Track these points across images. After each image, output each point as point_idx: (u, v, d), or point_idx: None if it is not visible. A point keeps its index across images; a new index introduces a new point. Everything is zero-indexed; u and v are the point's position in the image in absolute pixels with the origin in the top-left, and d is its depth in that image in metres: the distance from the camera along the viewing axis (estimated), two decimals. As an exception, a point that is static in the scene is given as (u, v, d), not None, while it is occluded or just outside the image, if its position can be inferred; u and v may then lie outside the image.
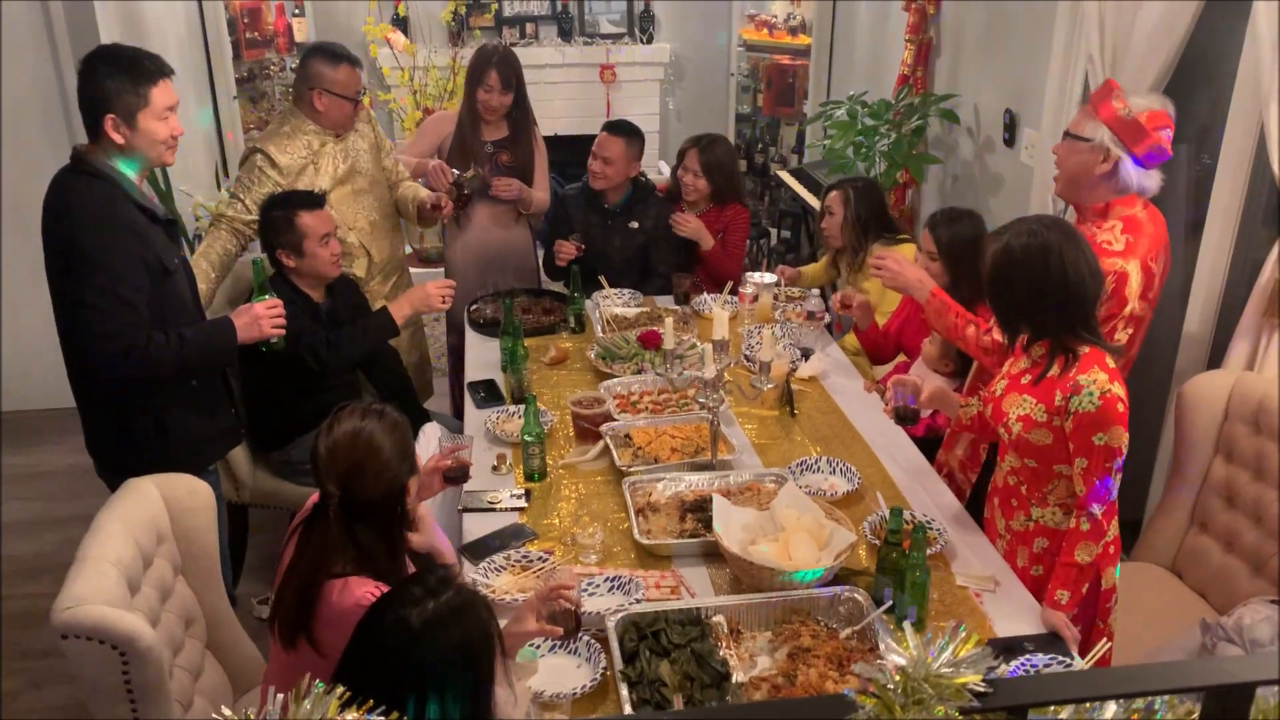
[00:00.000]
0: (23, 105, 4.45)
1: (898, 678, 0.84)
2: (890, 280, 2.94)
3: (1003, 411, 2.37)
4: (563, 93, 6.32)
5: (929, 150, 4.68)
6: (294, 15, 6.13)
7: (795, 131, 6.69)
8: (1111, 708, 0.87)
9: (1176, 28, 3.08)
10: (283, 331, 2.72)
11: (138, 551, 2.11)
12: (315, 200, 3.24)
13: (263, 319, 2.66)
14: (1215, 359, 3.09)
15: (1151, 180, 2.61)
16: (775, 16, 6.57)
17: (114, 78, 2.45)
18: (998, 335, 2.71)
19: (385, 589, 1.95)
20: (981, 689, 0.85)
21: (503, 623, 1.98)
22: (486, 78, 3.87)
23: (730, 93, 6.69)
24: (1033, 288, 2.24)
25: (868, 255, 3.62)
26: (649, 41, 6.37)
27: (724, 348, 2.66)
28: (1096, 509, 2.25)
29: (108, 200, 2.44)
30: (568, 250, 3.91)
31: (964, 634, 0.90)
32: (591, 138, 4.03)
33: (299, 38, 6.15)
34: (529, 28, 6.28)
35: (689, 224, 3.98)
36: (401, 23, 6.07)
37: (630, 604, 2.20)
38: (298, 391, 3.28)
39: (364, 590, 1.96)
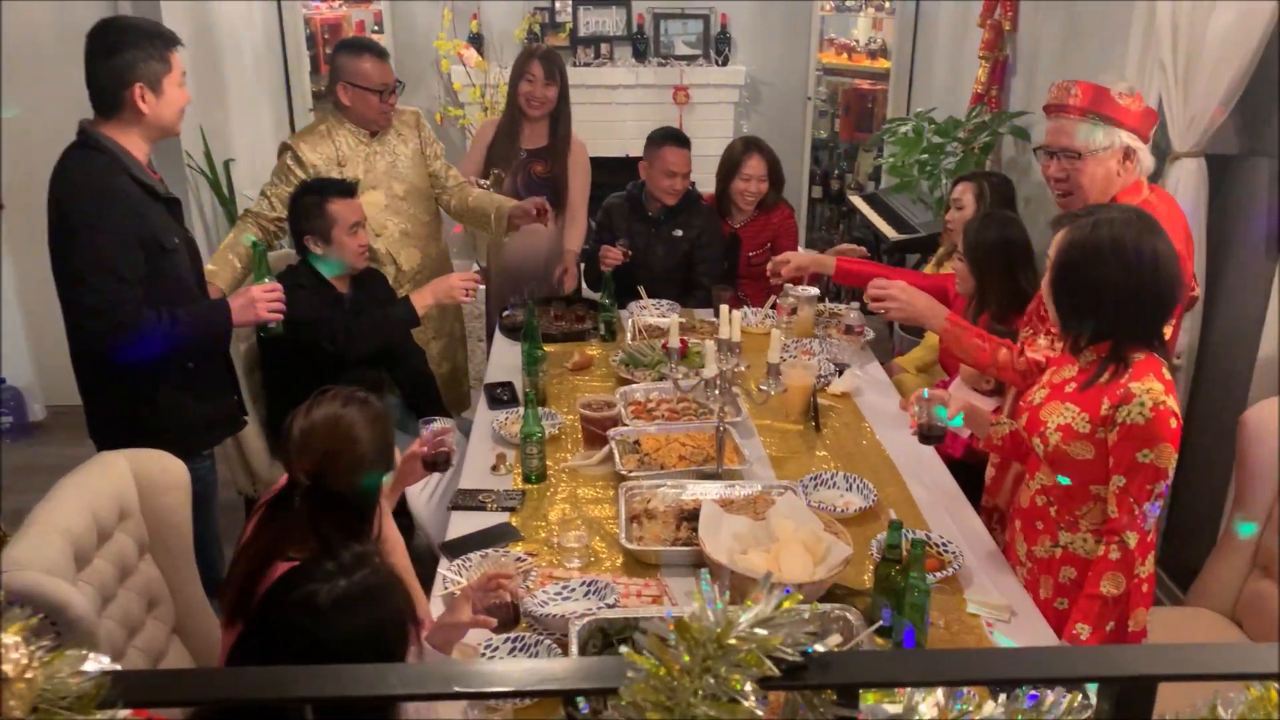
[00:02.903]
0: (88, 112, 4.55)
1: (679, 631, 0.68)
2: (900, 312, 2.70)
3: (1040, 421, 2.15)
4: (635, 114, 6.24)
5: (1001, 169, 4.44)
6: (373, 31, 6.22)
7: (872, 158, 6.49)
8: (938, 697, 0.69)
9: (1252, 30, 2.84)
10: (280, 316, 2.66)
11: (93, 523, 2.04)
12: (347, 188, 3.20)
13: (259, 302, 2.60)
14: (1292, 387, 2.81)
15: (1151, 159, 2.45)
16: (856, 41, 6.41)
17: (139, 46, 2.45)
18: (1033, 354, 2.50)
19: None
20: (791, 658, 0.68)
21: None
22: (529, 68, 3.81)
23: (807, 117, 6.53)
24: (1117, 284, 1.99)
25: None
26: (724, 63, 6.27)
27: (733, 349, 2.50)
28: (1130, 537, 2.01)
29: (105, 174, 2.42)
30: (614, 255, 3.77)
31: (787, 593, 0.73)
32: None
33: (377, 54, 6.22)
34: (604, 48, 6.24)
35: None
36: (476, 40, 6.10)
37: (600, 608, 2.05)
38: (318, 386, 3.22)
39: None
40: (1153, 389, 1.96)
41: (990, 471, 2.64)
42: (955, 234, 3.59)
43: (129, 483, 2.21)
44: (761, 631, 0.68)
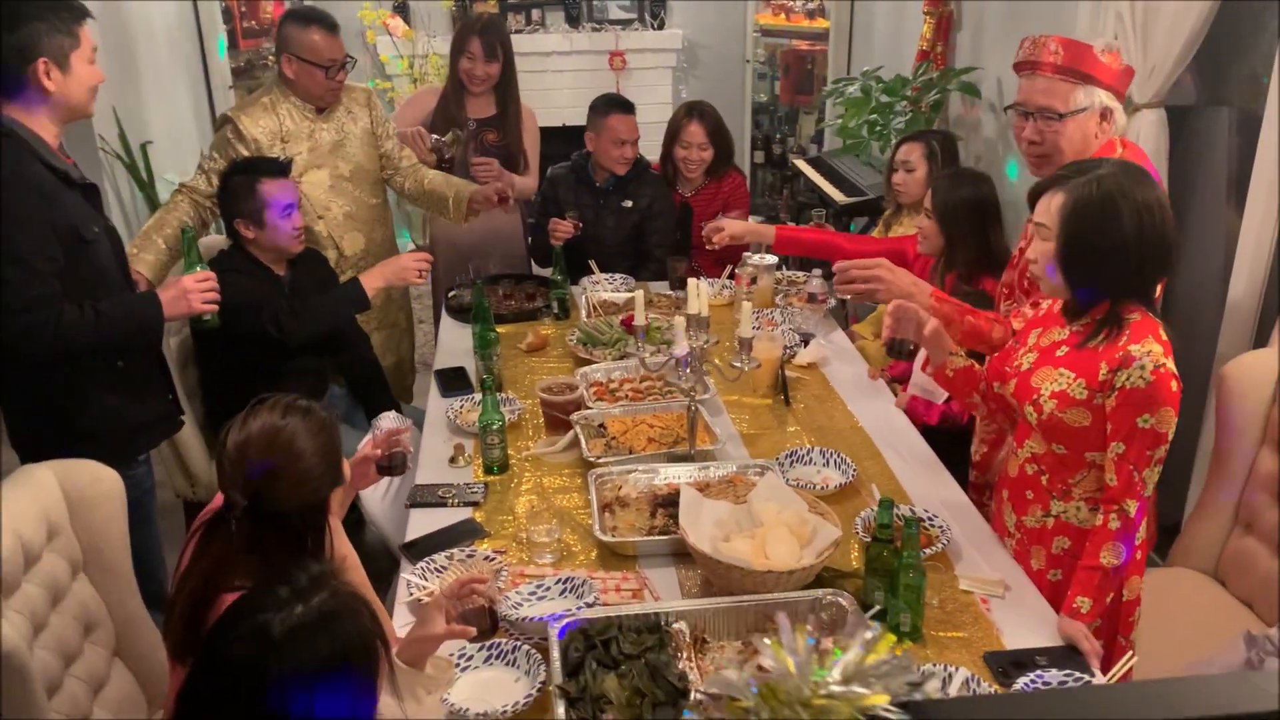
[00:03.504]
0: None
1: (763, 696, 0.56)
2: (886, 292, 2.50)
3: (1032, 388, 2.04)
4: (570, 81, 6.06)
5: (949, 128, 4.36)
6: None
7: (814, 120, 6.39)
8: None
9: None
10: (215, 307, 2.47)
11: (18, 545, 1.86)
12: (280, 168, 3.00)
13: (191, 293, 2.41)
14: (1264, 336, 2.77)
15: (1125, 117, 2.36)
16: (793, 0, 6.29)
17: (43, 18, 2.23)
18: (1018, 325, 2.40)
19: None
20: (893, 716, 0.56)
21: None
22: (469, 45, 3.65)
23: (746, 81, 6.40)
24: (1129, 239, 1.86)
25: None
26: (660, 27, 6.11)
27: (702, 324, 2.38)
28: (1130, 505, 1.93)
29: (12, 159, 2.21)
30: (565, 229, 3.59)
31: (876, 633, 0.61)
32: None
33: (298, 27, 5.95)
34: (535, 14, 6.04)
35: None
36: (402, 9, 5.85)
37: (580, 608, 1.93)
38: (259, 377, 3.00)
39: None
40: (1153, 351, 1.87)
41: (981, 448, 2.55)
42: (905, 195, 3.50)
43: (57, 497, 2.02)
44: (858, 689, 0.56)
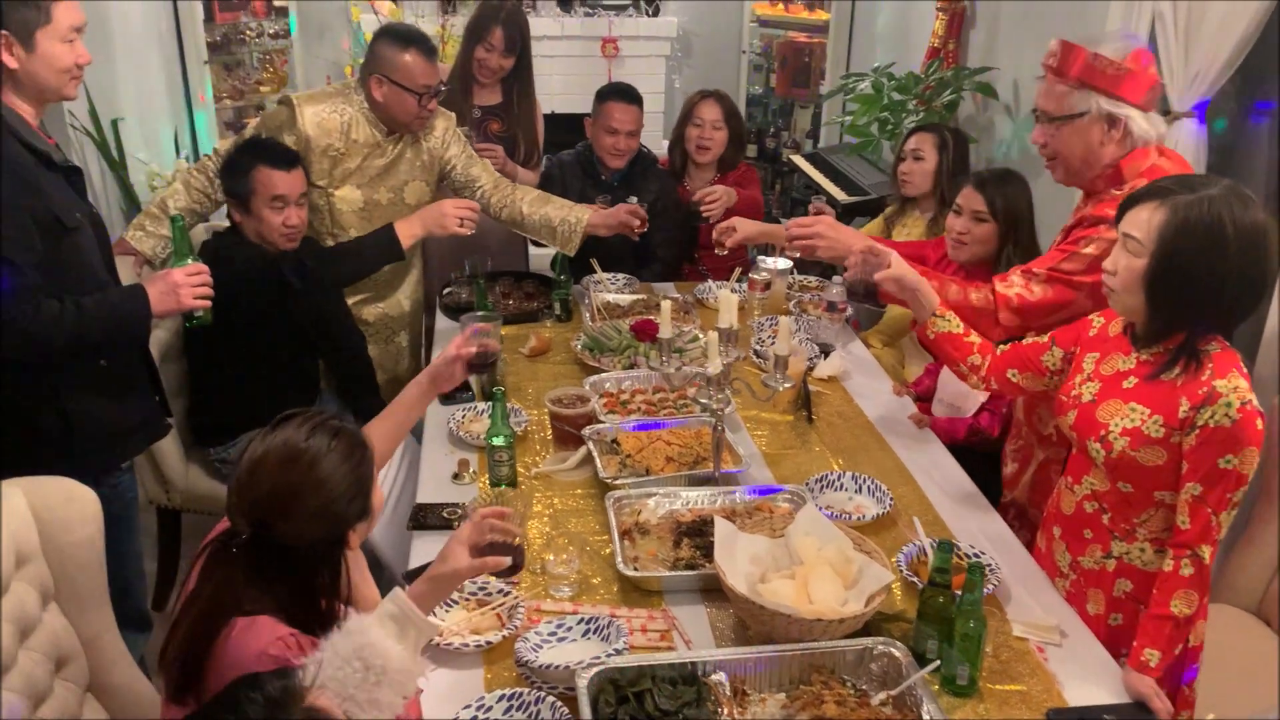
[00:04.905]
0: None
1: None
2: (828, 249, 2.49)
3: (1098, 423, 1.89)
4: (561, 67, 5.86)
5: (962, 129, 4.22)
6: (272, -25, 5.69)
7: (810, 115, 6.23)
8: None
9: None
10: (208, 303, 2.27)
11: (-17, 578, 1.66)
12: (287, 158, 2.79)
13: (182, 288, 2.20)
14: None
15: (1160, 125, 2.22)
16: (792, -10, 6.12)
17: None
18: (1004, 289, 2.27)
19: (303, 638, 1.50)
20: None
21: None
22: (489, 35, 3.45)
23: (741, 72, 6.22)
24: (1233, 267, 1.71)
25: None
26: (655, 14, 5.91)
27: (732, 338, 2.21)
28: (1204, 550, 1.78)
29: (-14, 139, 2.00)
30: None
31: None
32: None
33: (278, 1, 5.71)
34: (526, -4, 5.83)
35: (715, 195, 3.42)
36: (388, -14, 5.62)
37: (608, 655, 1.76)
38: (247, 377, 2.84)
39: (274, 637, 1.49)
40: (1239, 387, 1.73)
41: (1011, 465, 2.41)
42: (910, 186, 3.36)
43: (26, 519, 1.81)
44: None
